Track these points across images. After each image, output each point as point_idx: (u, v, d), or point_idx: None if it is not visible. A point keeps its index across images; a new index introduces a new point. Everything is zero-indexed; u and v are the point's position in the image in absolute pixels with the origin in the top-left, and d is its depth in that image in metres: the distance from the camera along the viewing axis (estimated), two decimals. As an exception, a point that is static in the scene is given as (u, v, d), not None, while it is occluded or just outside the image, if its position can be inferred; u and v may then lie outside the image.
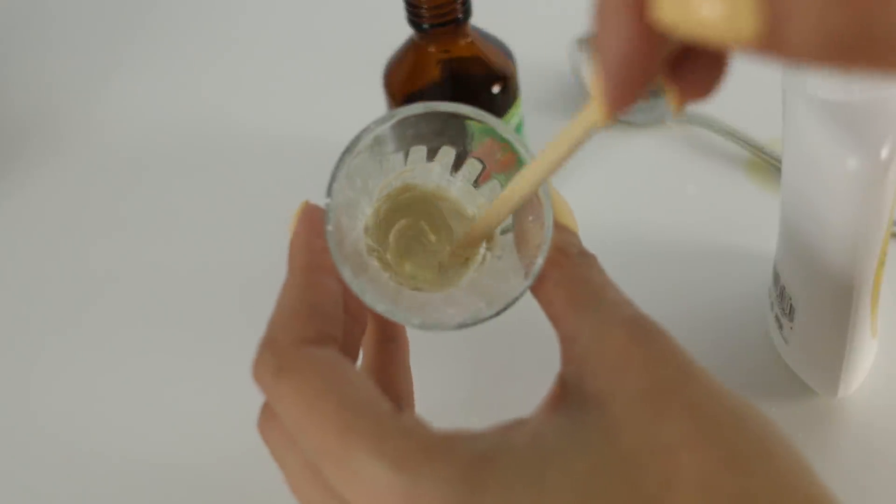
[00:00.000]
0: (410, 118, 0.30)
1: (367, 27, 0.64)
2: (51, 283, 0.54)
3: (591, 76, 0.23)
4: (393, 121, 0.29)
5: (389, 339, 0.32)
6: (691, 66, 0.22)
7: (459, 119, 0.30)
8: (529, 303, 0.30)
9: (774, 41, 0.18)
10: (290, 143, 0.59)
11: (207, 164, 0.59)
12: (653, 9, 0.20)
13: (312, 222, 0.30)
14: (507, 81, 0.48)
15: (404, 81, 0.48)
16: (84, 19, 0.70)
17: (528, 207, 0.30)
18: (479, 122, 0.30)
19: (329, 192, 0.29)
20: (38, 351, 0.51)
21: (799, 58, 0.18)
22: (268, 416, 0.28)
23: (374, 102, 0.54)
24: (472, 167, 0.32)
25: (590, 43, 0.22)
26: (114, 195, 0.58)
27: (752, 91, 0.51)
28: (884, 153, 0.33)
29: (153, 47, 0.68)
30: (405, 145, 0.31)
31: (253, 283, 0.51)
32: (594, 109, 0.24)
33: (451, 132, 0.31)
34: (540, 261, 0.29)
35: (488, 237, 0.32)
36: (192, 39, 0.68)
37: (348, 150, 0.29)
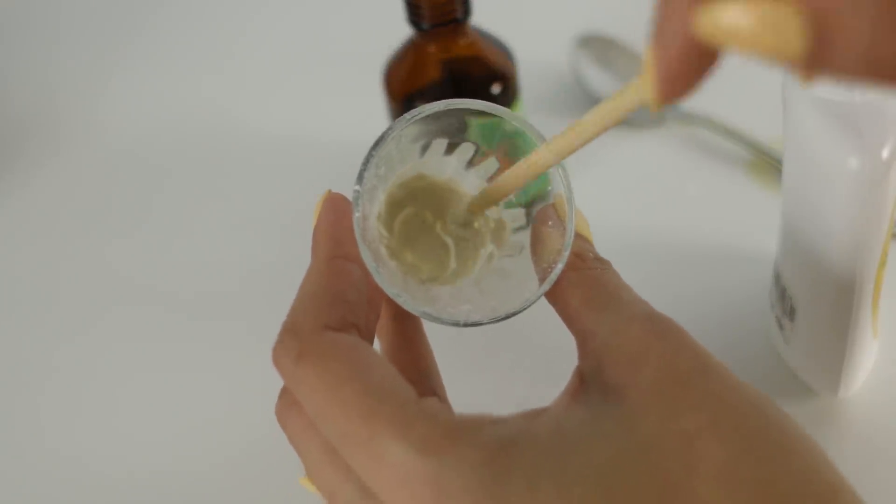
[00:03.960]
0: (435, 114, 0.30)
1: (367, 27, 0.64)
2: (51, 282, 0.54)
3: (645, 59, 0.23)
4: (422, 115, 0.30)
5: (406, 317, 0.32)
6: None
7: (485, 117, 0.31)
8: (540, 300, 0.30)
9: (819, 60, 0.18)
10: (289, 141, 0.59)
11: (207, 163, 0.59)
12: (697, 22, 0.20)
13: (336, 210, 0.30)
14: (507, 81, 0.48)
15: (404, 81, 0.48)
16: (85, 19, 0.70)
17: (546, 213, 0.31)
18: (503, 119, 0.30)
19: (359, 180, 0.29)
20: (38, 352, 0.50)
21: (843, 75, 0.18)
22: (286, 402, 0.28)
23: (374, 102, 0.54)
24: (489, 165, 0.33)
25: (650, 26, 0.22)
26: (115, 195, 0.58)
27: (752, 91, 0.51)
28: (885, 153, 0.33)
29: (154, 47, 0.68)
30: (429, 137, 0.31)
31: (255, 281, 0.51)
32: (640, 88, 0.24)
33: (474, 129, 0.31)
34: (560, 266, 0.29)
35: (500, 233, 0.32)
36: (193, 39, 0.68)
37: (380, 140, 0.29)
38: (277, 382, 0.28)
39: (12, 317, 0.52)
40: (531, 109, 0.55)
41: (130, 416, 0.47)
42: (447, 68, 0.48)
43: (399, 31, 0.48)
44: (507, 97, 0.48)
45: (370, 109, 0.55)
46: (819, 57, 0.18)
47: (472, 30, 0.48)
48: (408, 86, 0.48)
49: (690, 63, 0.21)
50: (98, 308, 0.52)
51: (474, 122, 0.31)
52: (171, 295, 0.52)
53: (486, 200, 0.32)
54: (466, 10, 0.46)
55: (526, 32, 0.54)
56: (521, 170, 0.30)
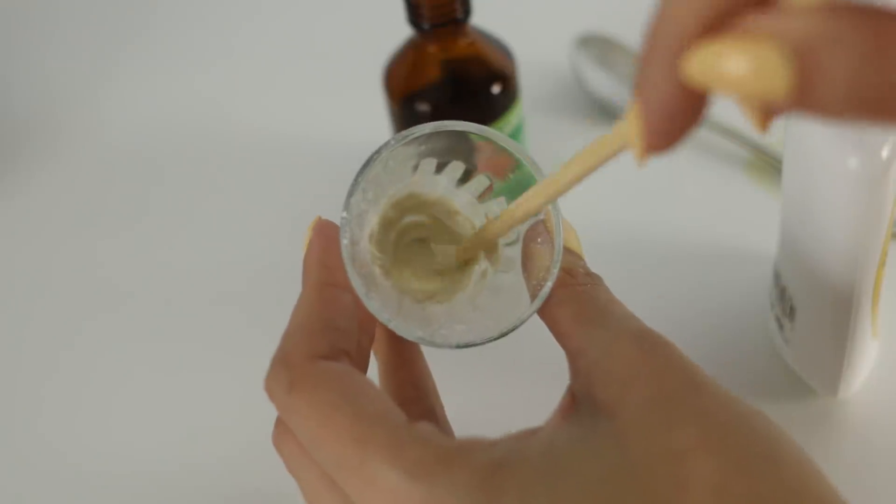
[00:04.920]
0: (422, 136, 0.30)
1: (367, 27, 0.64)
2: (52, 282, 0.54)
3: (628, 106, 0.23)
4: (408, 138, 0.30)
5: (403, 338, 0.32)
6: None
7: (470, 137, 0.31)
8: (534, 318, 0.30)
9: (805, 98, 0.19)
10: (290, 142, 0.59)
11: (209, 164, 0.59)
12: (685, 65, 0.20)
13: (325, 237, 0.30)
14: (507, 81, 0.48)
15: (404, 81, 0.48)
16: (85, 19, 0.70)
17: (536, 230, 0.31)
18: (490, 140, 0.31)
19: (346, 207, 0.29)
20: (39, 355, 0.50)
21: (829, 113, 0.19)
22: (281, 430, 0.29)
23: (374, 102, 0.54)
24: (479, 182, 0.33)
25: (633, 74, 0.23)
26: (115, 195, 0.58)
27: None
28: (884, 153, 0.33)
29: (154, 47, 0.68)
30: (417, 159, 0.32)
31: (257, 283, 0.51)
32: (623, 134, 0.24)
33: (462, 148, 0.32)
34: (549, 284, 0.30)
35: (491, 246, 0.33)
36: (193, 39, 0.68)
37: (366, 165, 0.30)
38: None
39: (13, 316, 0.52)
40: (531, 109, 0.55)
41: (133, 416, 0.47)
42: (447, 68, 0.48)
43: (399, 31, 0.48)
44: (507, 97, 0.48)
45: (370, 109, 0.55)
46: (803, 95, 0.18)
47: (472, 30, 0.48)
48: (408, 86, 0.48)
49: (677, 113, 0.21)
50: (98, 307, 0.52)
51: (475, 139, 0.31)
52: (175, 294, 0.52)
53: (473, 247, 0.33)
54: (466, 10, 0.46)
55: (526, 32, 0.54)
56: (506, 220, 0.30)
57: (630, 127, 0.23)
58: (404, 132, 0.30)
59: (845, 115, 0.18)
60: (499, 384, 0.45)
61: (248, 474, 0.43)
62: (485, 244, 0.32)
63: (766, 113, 0.21)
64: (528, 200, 0.29)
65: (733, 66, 0.19)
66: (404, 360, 0.32)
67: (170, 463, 0.45)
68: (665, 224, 0.51)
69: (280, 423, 0.29)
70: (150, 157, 0.60)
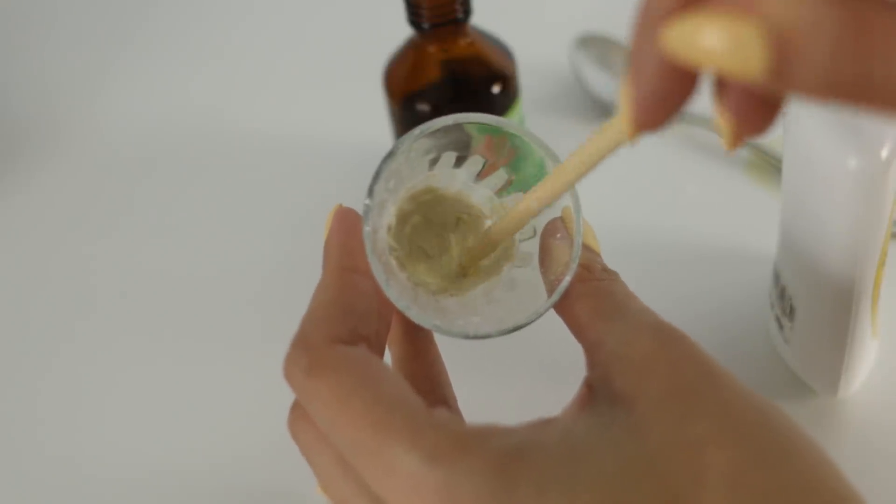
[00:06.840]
0: (444, 128, 0.30)
1: (367, 27, 0.64)
2: (51, 284, 0.54)
3: (620, 90, 0.23)
4: (431, 129, 0.30)
5: (417, 328, 0.32)
6: (745, 100, 0.22)
7: (491, 130, 0.31)
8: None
9: (781, 78, 0.19)
10: (290, 143, 0.59)
11: (208, 165, 0.59)
12: (665, 36, 0.20)
13: (347, 223, 0.30)
14: (507, 81, 0.48)
15: (404, 81, 0.48)
16: (84, 19, 0.70)
17: (555, 226, 0.31)
18: (513, 134, 0.31)
19: (370, 194, 0.29)
20: (37, 356, 0.50)
21: (803, 94, 0.19)
22: (298, 415, 0.29)
23: (374, 102, 0.54)
24: (497, 177, 0.33)
25: (625, 57, 0.23)
26: (115, 195, 0.58)
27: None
28: (884, 153, 0.33)
29: (155, 47, 0.68)
30: (438, 151, 0.32)
31: (258, 282, 0.51)
32: (620, 123, 0.24)
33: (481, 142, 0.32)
34: (568, 278, 0.30)
35: (506, 243, 0.33)
36: (193, 39, 0.68)
37: (390, 154, 0.30)
38: (286, 383, 0.28)
39: (14, 316, 0.52)
40: (531, 109, 0.55)
41: (133, 417, 0.47)
42: (447, 68, 0.48)
43: (399, 31, 0.48)
44: (507, 97, 0.48)
45: (370, 110, 0.55)
46: (780, 76, 0.19)
47: (472, 30, 0.48)
48: (408, 86, 0.49)
49: (666, 90, 0.21)
50: (98, 307, 0.52)
51: (483, 130, 0.31)
52: (175, 295, 0.52)
53: (475, 255, 0.33)
54: (466, 10, 0.46)
55: (526, 32, 0.54)
56: (508, 221, 0.30)
57: (621, 104, 0.23)
58: (428, 123, 0.30)
59: (820, 98, 0.19)
60: (508, 381, 0.45)
61: (254, 473, 0.43)
62: (493, 245, 0.32)
63: (737, 134, 0.22)
64: (525, 204, 0.29)
65: (711, 40, 0.19)
66: (418, 350, 0.32)
67: (170, 463, 0.45)
68: (665, 224, 0.51)
69: (296, 408, 0.29)
70: (150, 158, 0.60)
